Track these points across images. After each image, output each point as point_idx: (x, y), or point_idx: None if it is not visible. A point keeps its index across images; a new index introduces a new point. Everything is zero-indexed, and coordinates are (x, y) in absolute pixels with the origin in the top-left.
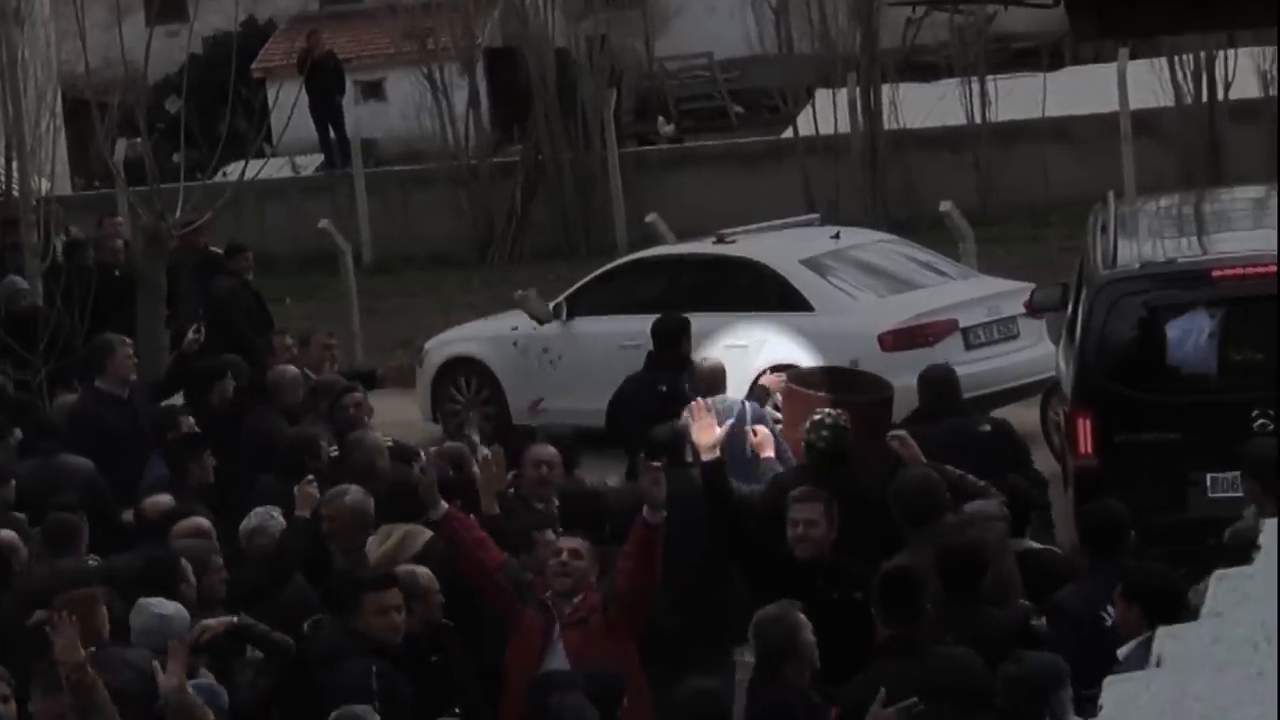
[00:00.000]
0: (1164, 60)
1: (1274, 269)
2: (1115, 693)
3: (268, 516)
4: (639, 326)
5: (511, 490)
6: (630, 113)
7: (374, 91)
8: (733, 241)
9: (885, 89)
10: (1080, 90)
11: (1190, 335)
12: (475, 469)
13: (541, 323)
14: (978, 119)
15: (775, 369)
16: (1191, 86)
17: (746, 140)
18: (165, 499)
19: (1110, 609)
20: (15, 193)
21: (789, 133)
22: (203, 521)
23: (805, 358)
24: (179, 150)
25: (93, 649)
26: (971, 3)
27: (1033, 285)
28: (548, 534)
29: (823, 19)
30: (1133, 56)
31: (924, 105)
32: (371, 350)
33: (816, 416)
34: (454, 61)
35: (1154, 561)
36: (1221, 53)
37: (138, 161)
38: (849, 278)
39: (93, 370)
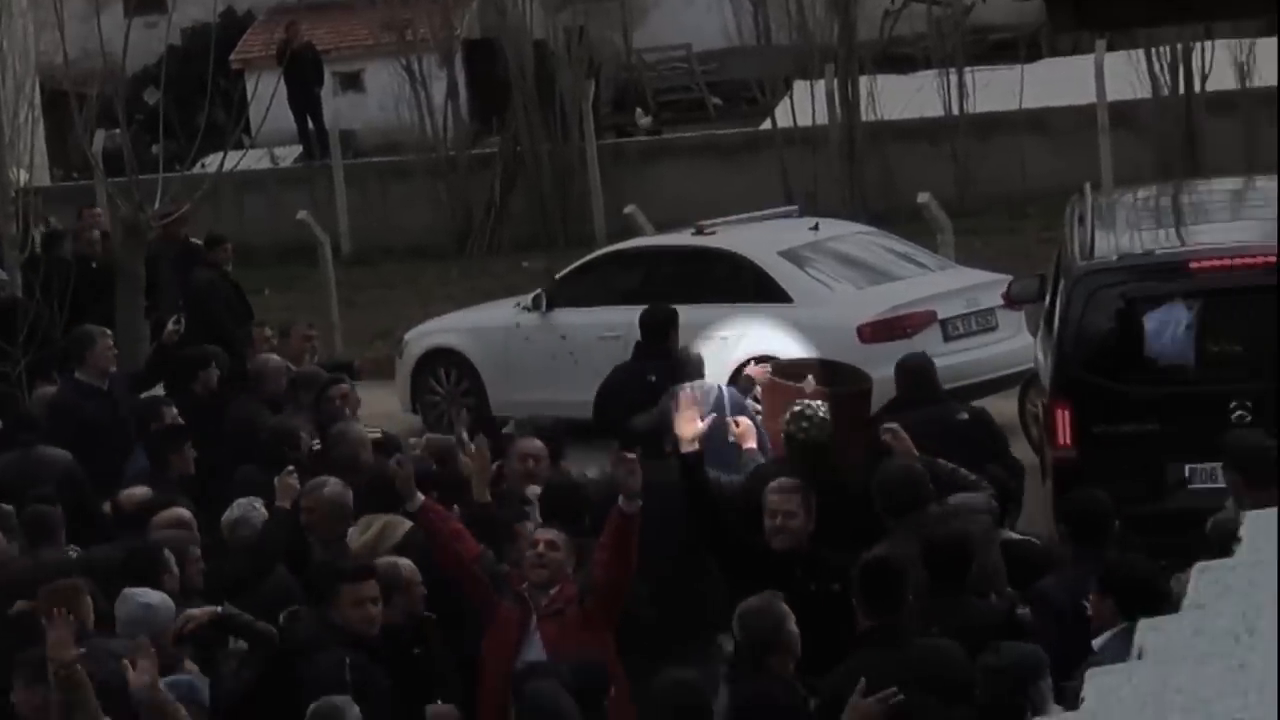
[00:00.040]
0: (1141, 52)
1: (1251, 260)
2: (1097, 685)
3: (250, 508)
4: (618, 318)
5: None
6: (608, 104)
7: (352, 83)
8: (711, 233)
9: (863, 80)
10: (1057, 82)
11: (1168, 327)
12: (467, 460)
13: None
14: (955, 111)
15: (757, 360)
16: (1168, 78)
17: (724, 132)
18: (142, 491)
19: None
20: None
21: (767, 124)
22: (183, 512)
23: (784, 349)
24: (158, 141)
25: (82, 650)
26: None
27: (1010, 277)
28: (527, 526)
29: (800, 10)
30: (1110, 48)
31: (902, 97)
32: (350, 341)
33: (796, 408)
34: (432, 53)
35: (1132, 553)
36: (1198, 45)
37: (116, 152)
38: (827, 269)
39: (72, 361)
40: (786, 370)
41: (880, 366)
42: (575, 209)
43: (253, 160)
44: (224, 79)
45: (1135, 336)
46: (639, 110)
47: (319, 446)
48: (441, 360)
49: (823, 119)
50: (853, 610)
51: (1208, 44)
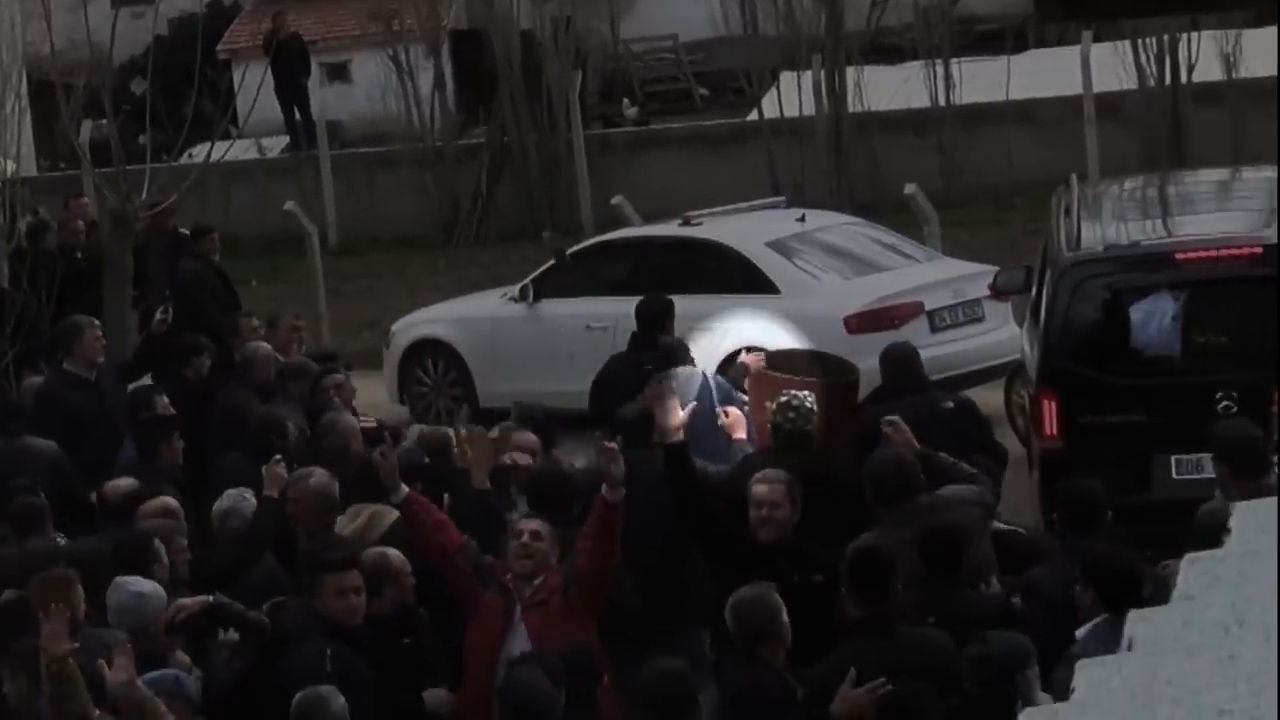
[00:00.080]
0: (1127, 43)
1: (1236, 251)
2: (1087, 676)
3: (240, 498)
4: (606, 308)
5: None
6: (595, 95)
7: (339, 73)
8: (699, 224)
9: (850, 71)
10: (1044, 73)
11: (1154, 318)
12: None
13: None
14: (942, 102)
15: (749, 350)
16: (1154, 69)
17: (711, 122)
18: (127, 482)
19: None
20: None
21: (754, 115)
22: (169, 501)
23: (771, 340)
24: (145, 132)
25: (75, 645)
26: None
27: (997, 268)
28: (513, 516)
29: (787, 1)
30: (1096, 39)
31: (888, 88)
32: (338, 332)
33: (783, 399)
34: (419, 43)
35: (1115, 543)
36: (1184, 36)
37: (103, 143)
38: (814, 260)
39: (60, 352)
40: (774, 361)
41: (867, 357)
42: (562, 199)
43: (240, 151)
44: (211, 69)
45: (1121, 327)
46: (626, 101)
47: (307, 434)
48: (429, 351)
49: (810, 110)
50: (837, 602)
51: (1194, 35)
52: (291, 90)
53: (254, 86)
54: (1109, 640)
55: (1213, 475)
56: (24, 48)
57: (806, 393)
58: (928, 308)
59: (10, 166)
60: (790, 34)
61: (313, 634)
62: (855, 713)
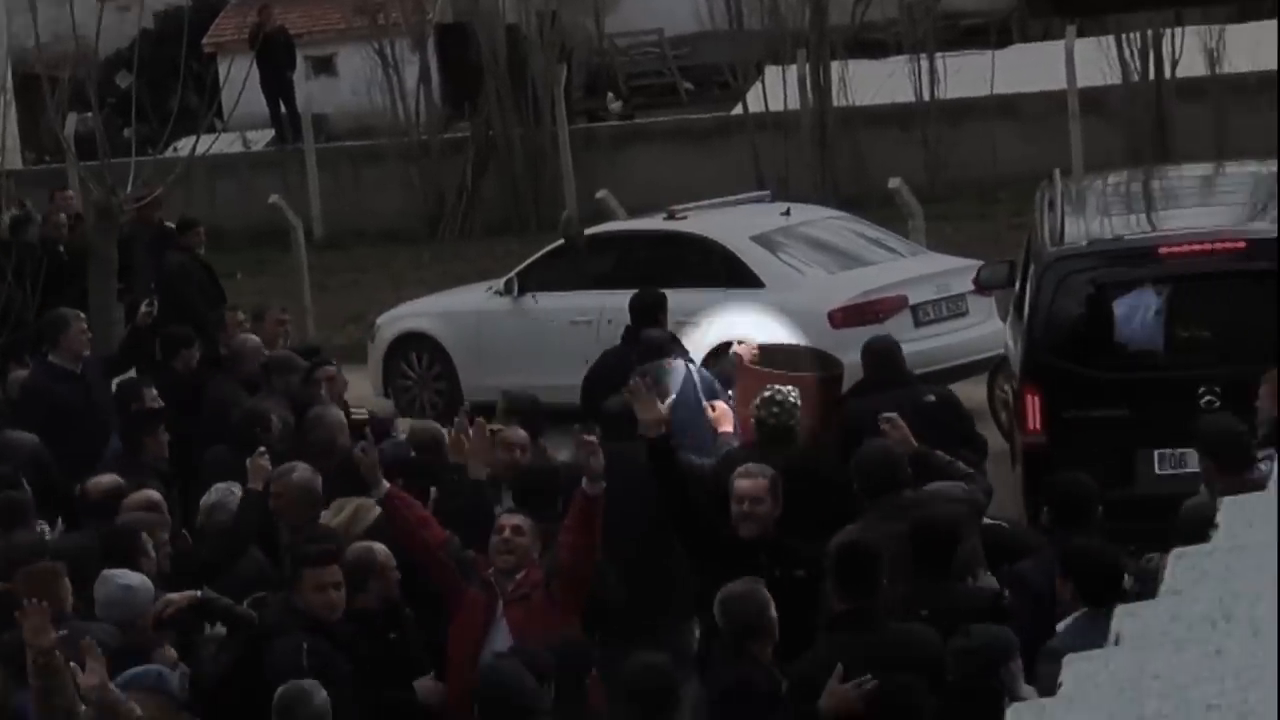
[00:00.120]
0: (1111, 38)
1: (1220, 246)
2: (1074, 670)
3: (228, 493)
4: (591, 302)
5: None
6: (580, 89)
7: (325, 67)
8: (683, 218)
9: (835, 66)
10: (1028, 68)
11: (1137, 312)
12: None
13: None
14: (926, 96)
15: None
16: (1138, 64)
17: (696, 117)
18: (109, 479)
19: None
20: None
21: (739, 109)
22: (153, 494)
23: (755, 334)
24: (130, 125)
25: (63, 632)
26: None
27: (981, 262)
28: (497, 510)
29: None
30: (1080, 34)
31: (873, 82)
32: (323, 325)
33: (766, 393)
34: (405, 37)
35: (1094, 538)
36: (1168, 31)
37: (89, 136)
38: (799, 254)
39: (45, 345)
40: (761, 354)
41: (851, 351)
42: (547, 193)
43: (225, 144)
44: (196, 63)
45: (1105, 322)
46: (610, 95)
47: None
48: (413, 344)
49: (794, 104)
50: (817, 597)
51: (1177, 31)
52: (277, 84)
53: (239, 80)
54: (1088, 634)
55: (1196, 470)
56: (9, 40)
57: (790, 388)
58: (911, 302)
59: None
60: (775, 28)
61: (291, 629)
62: (842, 708)
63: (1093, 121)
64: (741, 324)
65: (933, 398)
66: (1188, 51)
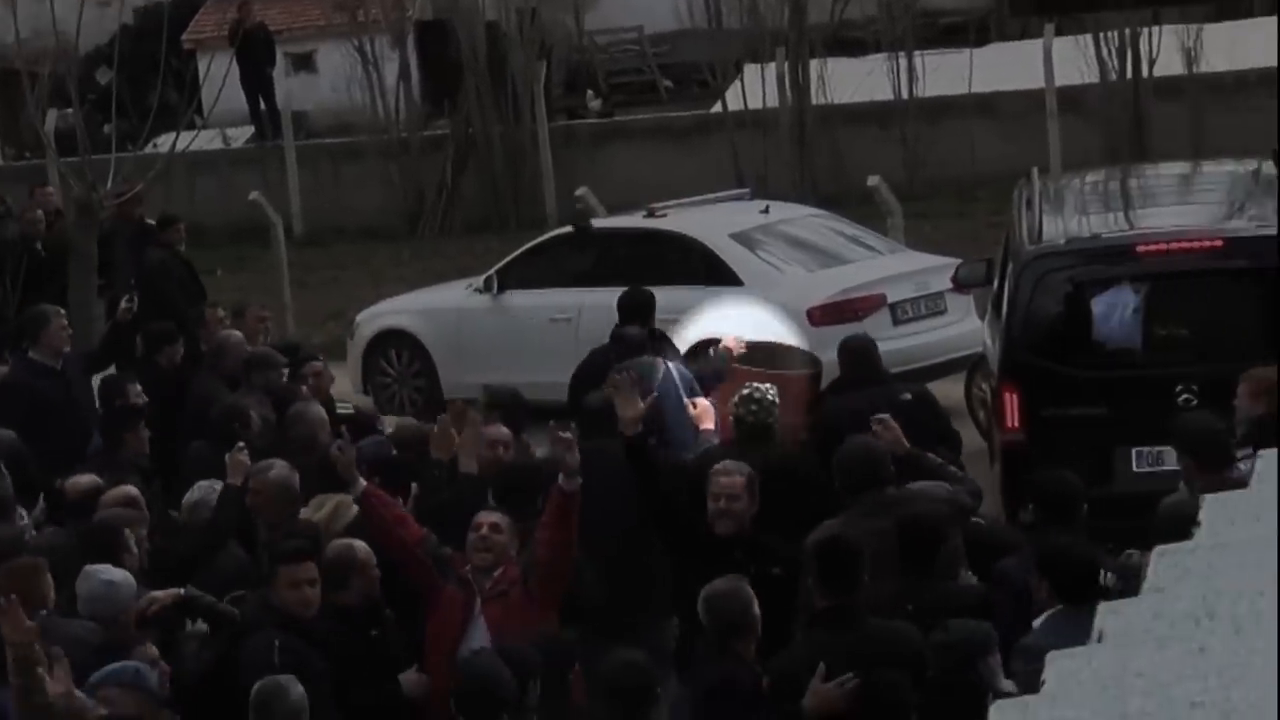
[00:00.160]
0: (1089, 37)
1: (1197, 244)
2: (1058, 668)
3: (210, 490)
4: (570, 300)
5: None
6: (560, 86)
7: (304, 63)
8: (663, 215)
9: (813, 64)
10: (1006, 66)
11: (1115, 310)
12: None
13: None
14: (905, 94)
15: (706, 343)
16: (1116, 63)
17: (676, 114)
18: (88, 478)
19: None
20: None
21: (718, 107)
22: (131, 490)
23: (734, 332)
24: (110, 121)
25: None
26: None
27: (960, 260)
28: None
29: None
30: (1058, 33)
31: (852, 80)
32: (302, 322)
33: (745, 391)
34: (384, 34)
35: (1078, 535)
36: (1145, 30)
37: (69, 132)
38: (778, 252)
39: (26, 340)
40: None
41: (830, 349)
42: (527, 191)
43: (205, 141)
44: (176, 59)
45: (1083, 320)
46: (590, 93)
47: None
48: (393, 341)
49: (773, 102)
50: (793, 594)
51: (1155, 30)
52: (257, 80)
53: (219, 76)
54: (1062, 631)
55: (1174, 468)
56: None
57: (768, 386)
58: (890, 300)
59: None
60: (754, 27)
61: (266, 625)
62: (826, 707)
63: (1070, 120)
64: (720, 322)
65: (909, 396)
66: (1165, 51)
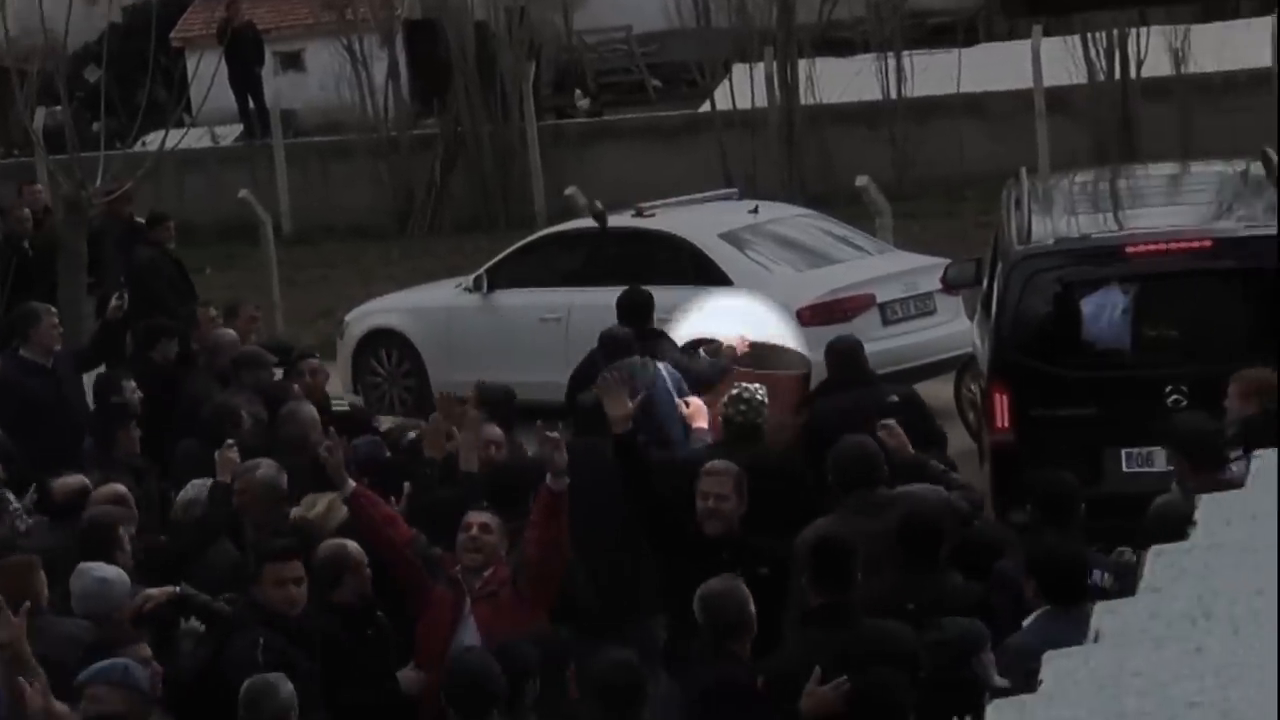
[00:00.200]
0: (1077, 38)
1: (1186, 245)
2: (1054, 668)
3: (204, 488)
4: (560, 299)
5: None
6: (549, 86)
7: (293, 62)
8: (651, 215)
9: (802, 64)
10: (995, 66)
11: (1104, 311)
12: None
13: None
14: (894, 94)
15: (699, 342)
16: (1104, 64)
17: (664, 114)
18: (76, 479)
19: None
20: None
21: (706, 107)
22: (119, 488)
23: (723, 331)
24: (99, 119)
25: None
26: None
27: (949, 260)
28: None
29: None
30: (1046, 34)
31: (840, 80)
32: (292, 321)
33: (734, 391)
34: (373, 33)
35: (1074, 535)
36: (1133, 31)
37: (57, 129)
38: (767, 252)
39: (16, 338)
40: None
41: (819, 349)
42: (516, 190)
43: (193, 139)
44: (165, 57)
45: (1072, 320)
46: (578, 92)
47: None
48: (383, 341)
49: (762, 102)
50: (781, 594)
51: (1143, 30)
52: (245, 79)
53: (208, 75)
54: (1048, 631)
55: (1163, 468)
56: None
57: (757, 385)
58: (879, 300)
59: None
60: (742, 26)
61: (251, 624)
62: (823, 709)
63: (1059, 120)
64: (710, 321)
65: (896, 398)
66: (1153, 51)
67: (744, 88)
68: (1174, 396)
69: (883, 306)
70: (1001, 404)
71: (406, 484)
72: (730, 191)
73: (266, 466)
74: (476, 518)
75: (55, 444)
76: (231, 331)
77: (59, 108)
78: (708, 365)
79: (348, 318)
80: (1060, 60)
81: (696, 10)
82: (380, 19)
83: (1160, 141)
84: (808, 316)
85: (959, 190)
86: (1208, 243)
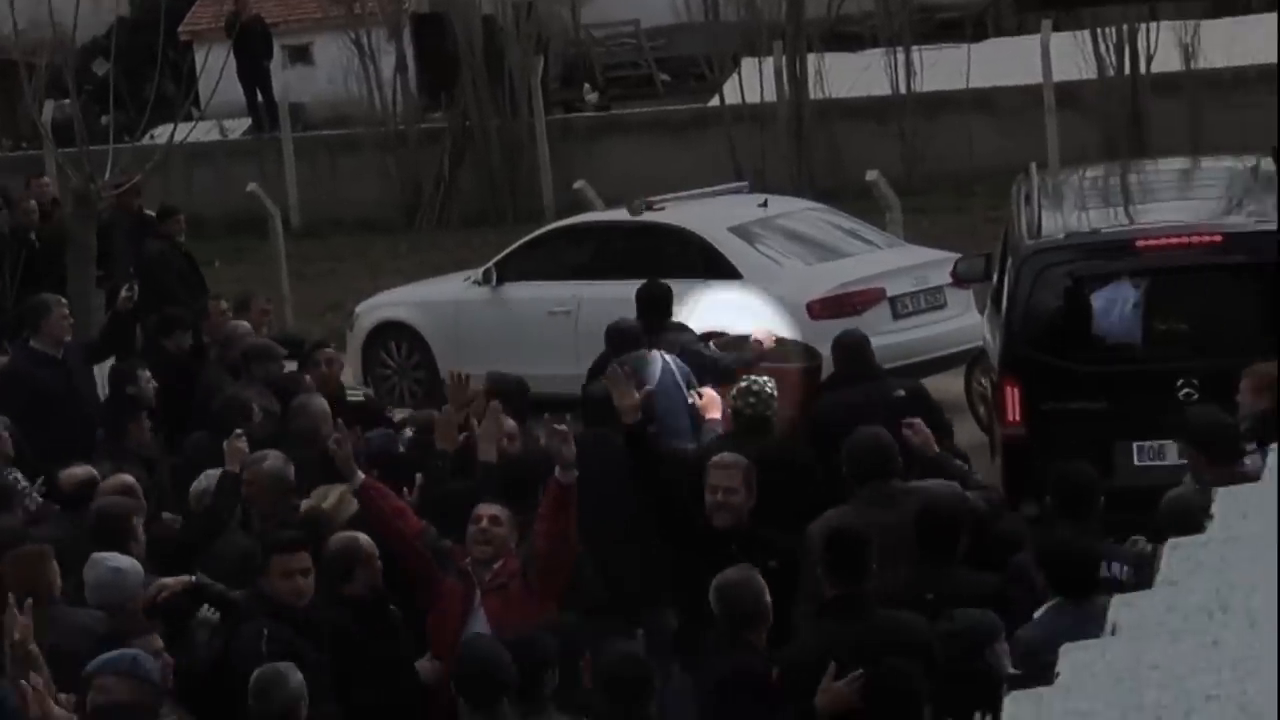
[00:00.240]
0: (1086, 33)
1: (1197, 239)
2: (1071, 661)
3: (216, 479)
4: (568, 292)
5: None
6: (557, 80)
7: (301, 56)
8: (661, 209)
9: (811, 58)
10: (1004, 61)
11: (1115, 305)
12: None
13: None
14: (902, 89)
15: (711, 335)
16: (1114, 59)
17: (673, 108)
18: (83, 470)
19: None
20: None
21: (715, 101)
22: (127, 479)
23: (733, 325)
24: (107, 112)
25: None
26: None
27: (959, 255)
28: None
29: None
30: (1055, 29)
31: (849, 75)
32: (301, 314)
33: (743, 383)
34: (381, 27)
35: (1094, 527)
36: (1143, 26)
37: (66, 123)
38: (777, 246)
39: (27, 330)
40: (729, 345)
41: (828, 343)
42: (524, 184)
43: (202, 132)
44: (173, 50)
45: (1083, 315)
46: (586, 86)
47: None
48: (392, 334)
49: (771, 96)
50: (790, 587)
51: (1152, 25)
52: (253, 72)
53: (216, 68)
54: (1056, 624)
55: (1175, 462)
56: None
57: (767, 378)
58: (890, 294)
59: None
60: (751, 20)
61: (258, 615)
62: (839, 705)
63: (1068, 115)
64: (719, 315)
65: (902, 392)
66: (1163, 46)
67: (753, 82)
68: (1185, 390)
69: (893, 300)
70: (1012, 398)
71: (418, 475)
72: (740, 185)
73: (274, 458)
74: (486, 510)
75: (65, 435)
76: (246, 324)
77: (67, 101)
78: (732, 358)
79: (357, 310)
80: (1070, 55)
81: (705, 4)
82: (388, 13)
83: (1170, 137)
84: (818, 310)
85: (968, 185)
86: (1218, 237)
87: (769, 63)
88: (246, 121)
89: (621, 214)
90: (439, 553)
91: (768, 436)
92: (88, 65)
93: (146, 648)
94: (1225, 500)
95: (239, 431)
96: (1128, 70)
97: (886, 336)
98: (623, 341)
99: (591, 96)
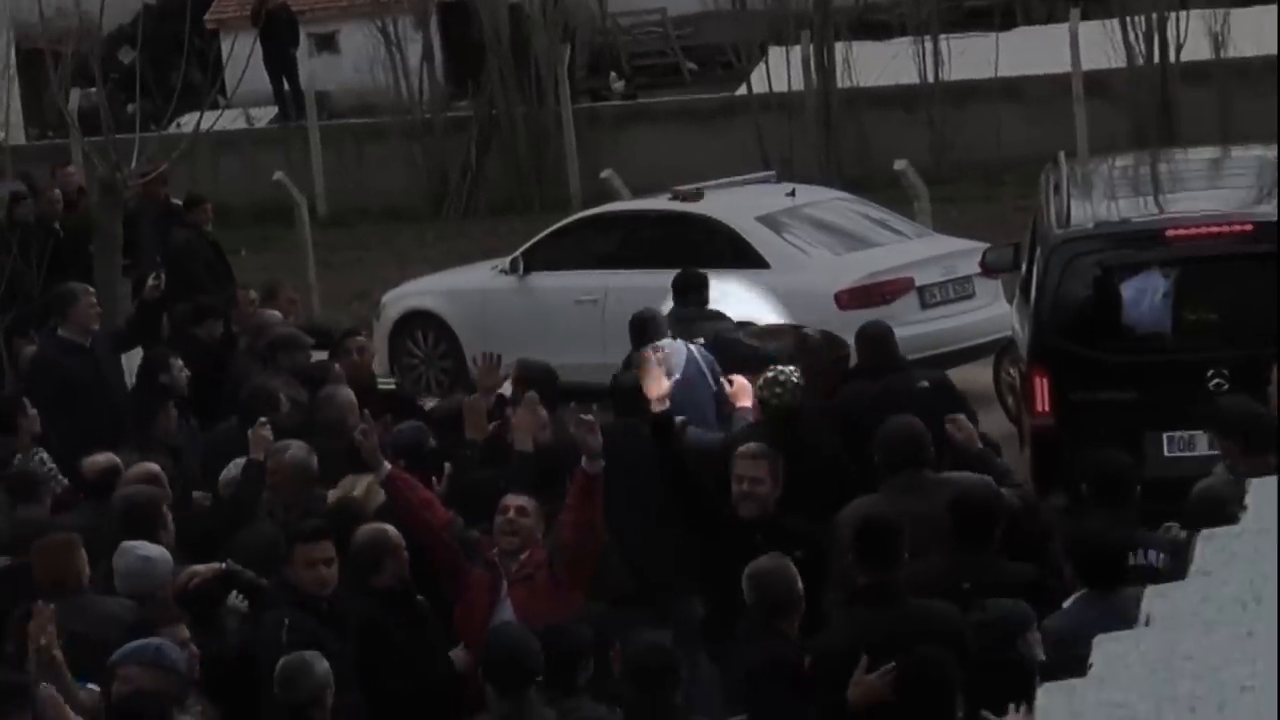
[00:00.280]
0: (1115, 21)
1: (1227, 229)
2: (1105, 651)
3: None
4: (595, 282)
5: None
6: (583, 68)
7: (327, 44)
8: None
9: (839, 47)
10: (1032, 50)
11: (1145, 295)
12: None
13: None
14: (931, 78)
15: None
16: (1143, 48)
17: (700, 97)
18: (104, 457)
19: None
20: None
21: (742, 90)
22: (152, 467)
23: (761, 315)
24: (133, 101)
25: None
26: None
27: (987, 244)
28: None
29: None
30: (1084, 17)
31: (877, 64)
32: (328, 303)
33: (770, 374)
34: (407, 15)
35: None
36: (1172, 14)
37: (92, 111)
38: (805, 235)
39: (54, 318)
40: (764, 334)
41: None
42: (551, 173)
43: (228, 121)
44: (199, 39)
45: (1112, 304)
46: (613, 75)
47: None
48: (419, 323)
49: (798, 85)
50: (816, 578)
51: (1182, 14)
52: (280, 60)
53: (242, 56)
54: (1084, 615)
55: (1205, 453)
56: (13, 15)
57: (792, 368)
58: (918, 284)
59: None
60: (779, 9)
61: (282, 604)
62: (872, 697)
63: (1097, 104)
64: (747, 305)
65: (926, 383)
66: (1192, 35)
67: (780, 71)
68: (1215, 380)
69: (921, 290)
70: (1041, 388)
71: (447, 465)
72: (768, 174)
73: (297, 448)
74: (514, 500)
75: (93, 423)
76: (277, 313)
77: (94, 89)
78: (773, 347)
79: (384, 299)
80: (1099, 44)
81: None
82: (414, 1)
83: (1199, 126)
84: (846, 300)
85: (997, 174)
86: (1248, 226)
87: (796, 51)
88: (273, 110)
89: (648, 203)
90: (466, 544)
91: (794, 426)
92: (114, 53)
93: (173, 637)
94: (1259, 491)
95: (263, 420)
96: (1157, 59)
97: (915, 326)
98: (646, 332)
99: (618, 85)
